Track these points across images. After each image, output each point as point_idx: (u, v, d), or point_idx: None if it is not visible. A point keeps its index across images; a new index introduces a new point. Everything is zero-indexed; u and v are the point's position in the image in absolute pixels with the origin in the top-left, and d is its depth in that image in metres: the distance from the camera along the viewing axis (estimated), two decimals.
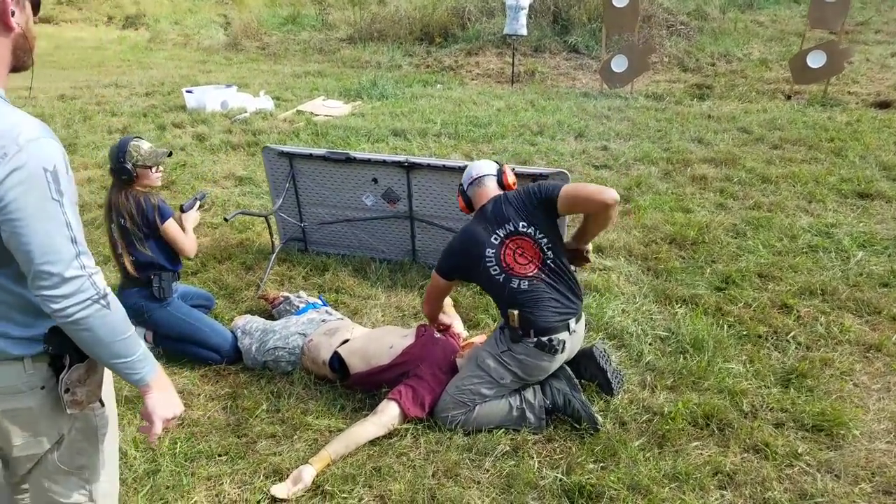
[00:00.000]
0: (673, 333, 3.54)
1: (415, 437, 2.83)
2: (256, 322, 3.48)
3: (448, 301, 3.56)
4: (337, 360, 3.13)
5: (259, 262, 4.49)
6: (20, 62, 1.51)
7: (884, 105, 8.33)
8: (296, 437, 2.85)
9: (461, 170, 3.40)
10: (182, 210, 3.50)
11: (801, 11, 13.53)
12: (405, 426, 2.86)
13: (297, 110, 8.72)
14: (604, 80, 9.54)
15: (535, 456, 2.71)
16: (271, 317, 3.77)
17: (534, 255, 2.83)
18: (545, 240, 2.84)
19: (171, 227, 3.29)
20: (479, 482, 2.59)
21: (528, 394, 2.90)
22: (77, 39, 16.65)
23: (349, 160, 4.19)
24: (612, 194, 2.69)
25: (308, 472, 2.57)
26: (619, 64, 9.22)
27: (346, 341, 3.20)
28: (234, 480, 2.62)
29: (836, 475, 2.59)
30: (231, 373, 3.34)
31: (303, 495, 2.52)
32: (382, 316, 3.84)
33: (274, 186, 4.50)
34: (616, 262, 4.41)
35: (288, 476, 2.59)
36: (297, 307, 3.65)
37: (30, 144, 1.33)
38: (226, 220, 4.12)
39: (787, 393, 3.06)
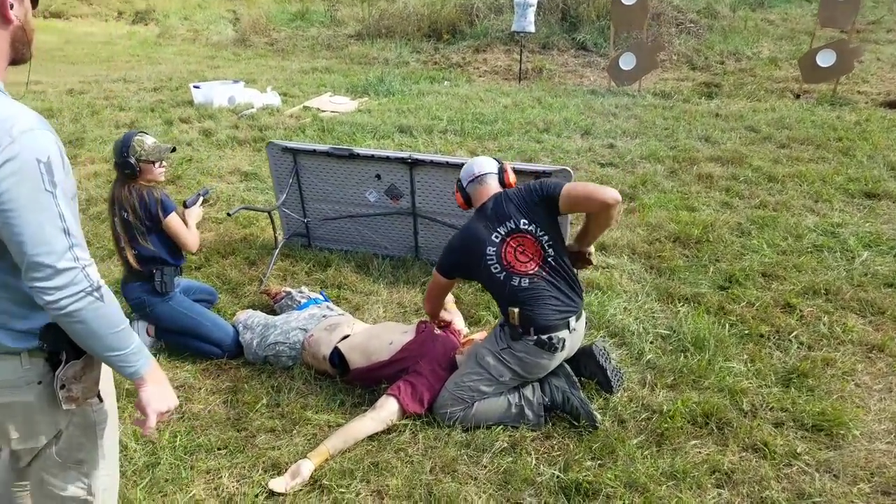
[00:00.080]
0: (674, 332, 3.53)
1: (413, 432, 2.84)
2: (258, 317, 3.50)
3: (450, 298, 3.57)
4: (337, 356, 3.14)
5: (262, 257, 4.51)
6: (19, 55, 1.52)
7: (893, 105, 8.26)
8: (295, 431, 2.87)
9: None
10: (185, 205, 3.52)
11: (812, 10, 13.43)
12: (404, 422, 2.87)
13: (303, 106, 8.74)
14: (612, 77, 9.51)
15: (532, 453, 2.71)
16: (273, 312, 3.78)
17: (535, 253, 2.83)
18: (546, 237, 2.83)
19: (173, 221, 3.31)
20: (476, 478, 2.59)
21: (527, 391, 2.90)
22: (87, 34, 16.75)
23: (353, 156, 4.19)
24: (613, 194, 2.69)
25: (306, 467, 2.58)
26: (627, 61, 9.19)
27: (346, 337, 3.21)
28: (233, 474, 2.63)
29: (834, 475, 2.58)
30: (232, 367, 3.35)
31: (301, 489, 2.54)
32: (384, 312, 3.85)
33: (278, 182, 4.51)
34: (619, 260, 4.39)
35: (286, 470, 2.60)
36: (299, 302, 3.67)
37: (23, 136, 1.33)
38: (229, 214, 4.15)
39: (787, 392, 3.05)
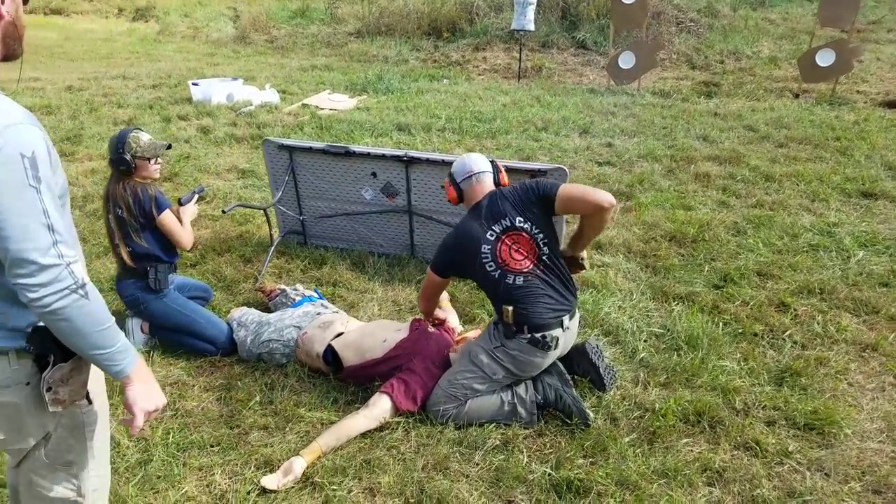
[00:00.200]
0: (668, 330, 3.53)
1: (406, 430, 2.84)
2: (252, 314, 3.50)
3: (444, 296, 3.56)
4: (331, 353, 3.14)
5: (258, 254, 4.51)
6: (10, 51, 1.51)
7: (892, 104, 8.25)
8: (288, 428, 2.87)
9: None
10: (180, 203, 3.52)
11: (813, 9, 13.37)
12: (396, 419, 2.87)
13: (302, 104, 8.74)
14: (611, 76, 9.50)
15: (524, 450, 2.71)
16: (268, 309, 3.78)
17: (529, 251, 2.83)
18: (541, 235, 2.84)
19: (167, 218, 3.31)
20: (468, 475, 2.60)
21: (520, 389, 2.90)
22: (87, 31, 16.73)
23: (348, 154, 4.19)
24: (607, 197, 2.70)
25: (299, 464, 2.59)
26: (626, 60, 9.18)
27: (340, 334, 3.21)
28: (225, 471, 2.64)
29: (825, 473, 2.58)
30: (226, 364, 3.35)
31: (292, 487, 2.54)
32: (379, 310, 3.85)
33: (274, 179, 4.51)
34: (615, 258, 4.40)
35: (279, 467, 2.61)
36: (294, 300, 3.67)
37: (7, 130, 1.32)
38: (224, 212, 4.15)
39: (780, 391, 3.05)
